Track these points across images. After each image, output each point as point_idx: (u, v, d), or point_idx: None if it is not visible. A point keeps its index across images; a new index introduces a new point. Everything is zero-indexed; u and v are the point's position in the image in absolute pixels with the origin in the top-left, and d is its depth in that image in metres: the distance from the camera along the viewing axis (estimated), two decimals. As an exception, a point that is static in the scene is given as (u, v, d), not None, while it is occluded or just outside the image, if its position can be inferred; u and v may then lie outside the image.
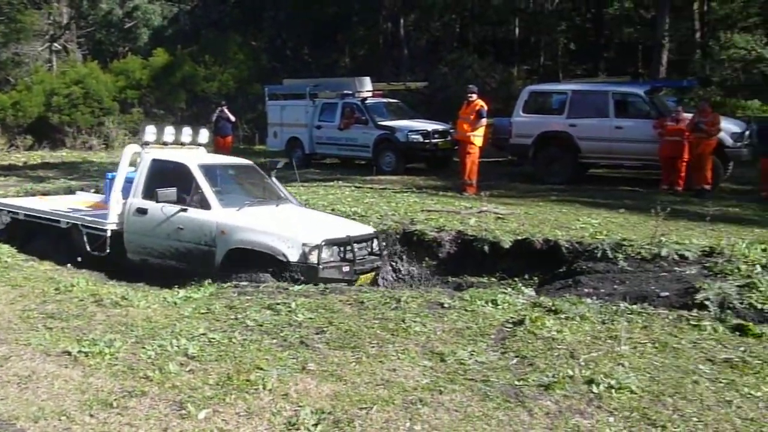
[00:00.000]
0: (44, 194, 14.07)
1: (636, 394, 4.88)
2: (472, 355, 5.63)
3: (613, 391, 4.90)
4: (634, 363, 5.40)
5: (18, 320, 6.67)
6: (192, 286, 8.25)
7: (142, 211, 9.91)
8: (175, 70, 33.78)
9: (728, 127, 15.86)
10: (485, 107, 15.76)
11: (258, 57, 36.69)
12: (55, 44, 43.34)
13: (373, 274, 9.61)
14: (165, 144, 10.64)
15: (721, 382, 5.10)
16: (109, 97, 32.22)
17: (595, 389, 4.92)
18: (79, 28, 46.09)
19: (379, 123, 20.42)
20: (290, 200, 10.67)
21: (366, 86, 22.66)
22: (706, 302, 7.32)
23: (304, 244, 8.77)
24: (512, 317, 6.55)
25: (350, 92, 21.67)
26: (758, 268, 8.24)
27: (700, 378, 5.15)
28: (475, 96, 15.74)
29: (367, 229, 10.05)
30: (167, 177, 9.88)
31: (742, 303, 7.28)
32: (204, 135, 11.33)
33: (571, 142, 16.93)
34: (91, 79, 32.22)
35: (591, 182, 17.31)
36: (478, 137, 15.69)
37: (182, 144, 10.89)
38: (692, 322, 6.37)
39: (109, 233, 9.98)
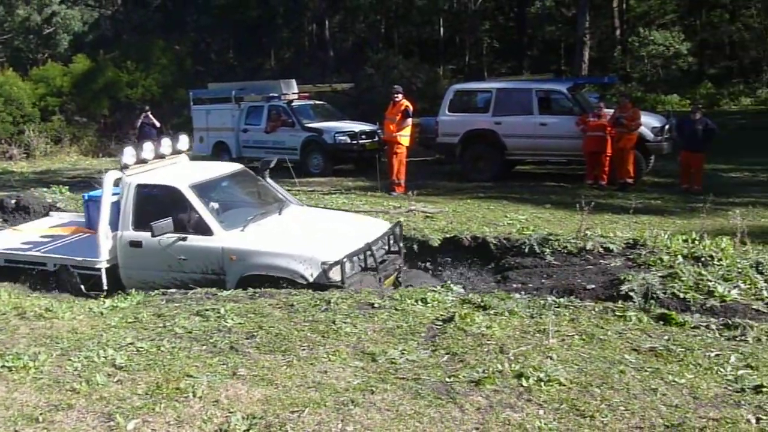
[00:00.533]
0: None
1: (565, 386, 4.95)
2: (402, 353, 5.64)
3: (542, 383, 4.97)
4: (562, 355, 5.47)
5: (-63, 336, 6.48)
6: (118, 295, 8.11)
7: (136, 244, 8.97)
8: (97, 77, 33.18)
9: (648, 121, 16.21)
10: (411, 107, 15.85)
11: (182, 61, 36.27)
12: (-29, 52, 42.24)
13: (395, 274, 9.14)
14: (144, 161, 9.58)
15: (646, 371, 5.20)
16: (29, 104, 31.49)
17: (524, 383, 4.98)
18: (-5, 35, 44.99)
19: (306, 125, 20.37)
20: (291, 202, 10.09)
21: (292, 88, 22.55)
22: (631, 293, 7.50)
23: (323, 263, 8.13)
24: (442, 315, 6.57)
25: (276, 95, 21.55)
26: (680, 259, 8.45)
27: (626, 368, 5.24)
28: (400, 96, 15.82)
29: (382, 226, 9.52)
30: (157, 202, 9.08)
31: (665, 293, 7.47)
32: (184, 141, 10.41)
33: (497, 139, 17.11)
34: (9, 87, 31.45)
35: (517, 179, 17.53)
36: (404, 137, 15.78)
37: (162, 156, 9.94)
38: (617, 313, 6.48)
39: (103, 272, 9.08)
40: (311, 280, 8.09)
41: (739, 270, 8.04)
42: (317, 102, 23.11)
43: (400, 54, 36.13)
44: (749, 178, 16.99)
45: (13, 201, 13.81)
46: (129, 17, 42.91)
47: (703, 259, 8.50)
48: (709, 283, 7.59)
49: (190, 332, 6.33)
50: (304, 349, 5.81)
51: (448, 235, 10.61)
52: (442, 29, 42.25)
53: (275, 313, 6.77)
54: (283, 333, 6.19)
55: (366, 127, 20.42)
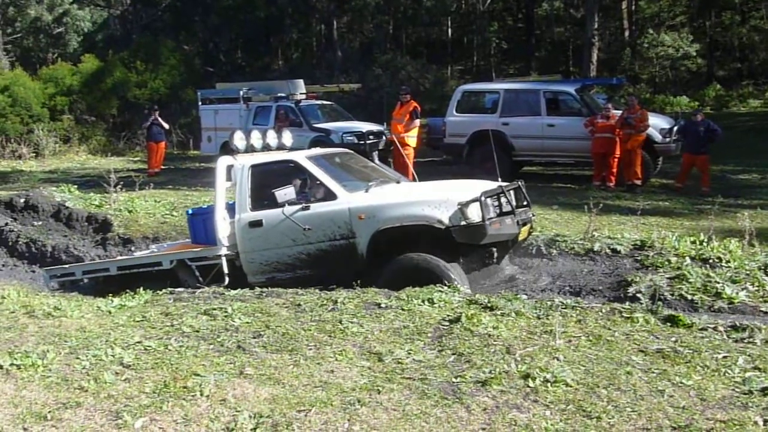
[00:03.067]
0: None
1: (571, 387, 4.95)
2: (409, 353, 5.66)
3: (548, 384, 4.97)
4: (569, 356, 5.48)
5: (-54, 334, 6.51)
6: (126, 294, 8.14)
7: (256, 224, 8.77)
8: (105, 76, 33.22)
9: (657, 123, 16.19)
10: (418, 108, 15.85)
11: (190, 61, 36.30)
12: (-19, 51, 42.40)
13: (530, 225, 8.95)
14: (254, 150, 9.52)
15: (653, 372, 5.20)
16: (38, 104, 31.57)
17: (531, 383, 4.98)
18: (6, 34, 45.17)
19: (314, 125, 20.39)
20: (405, 179, 9.94)
21: (299, 89, 22.59)
22: (638, 295, 7.51)
23: (459, 203, 7.87)
24: (449, 315, 6.58)
25: (284, 95, 21.58)
26: (688, 260, 8.46)
27: (633, 369, 5.24)
28: (408, 97, 15.83)
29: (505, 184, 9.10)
30: (274, 180, 8.80)
31: (672, 294, 7.49)
32: (288, 137, 10.26)
33: (505, 140, 17.09)
34: (19, 86, 31.52)
35: (525, 180, 17.40)
36: (412, 138, 15.76)
37: (269, 147, 9.83)
38: (625, 315, 6.49)
39: (224, 260, 8.85)
40: (449, 223, 7.87)
41: (747, 272, 8.05)
42: (325, 102, 23.12)
43: (408, 55, 36.19)
44: (758, 180, 16.96)
45: (22, 200, 13.87)
46: (138, 17, 42.98)
47: (711, 260, 8.51)
48: (717, 285, 7.60)
49: (197, 331, 6.35)
50: (311, 349, 5.83)
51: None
52: (450, 30, 42.28)
53: (282, 313, 6.79)
54: (290, 332, 6.21)
55: (374, 127, 20.41)
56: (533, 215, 9.14)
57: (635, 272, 8.23)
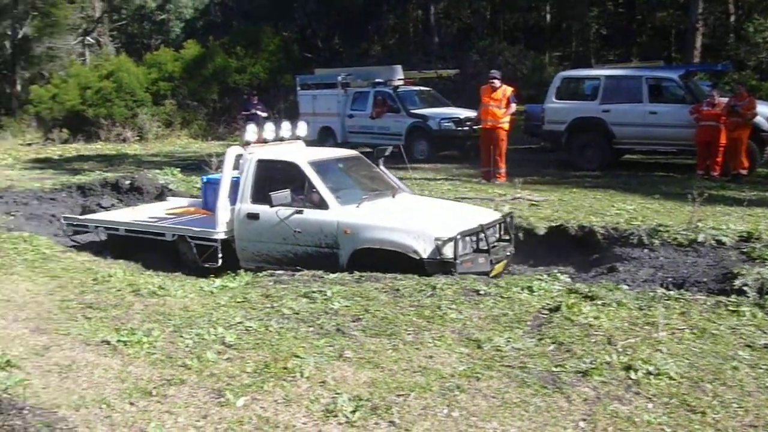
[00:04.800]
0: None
1: (675, 380, 4.85)
2: (508, 341, 5.62)
3: (651, 377, 4.88)
4: (672, 349, 5.36)
5: (57, 310, 6.76)
6: (227, 274, 8.31)
7: (253, 216, 9.29)
8: (206, 62, 33.90)
9: (764, 110, 15.65)
10: (515, 92, 15.57)
11: (289, 47, 36.70)
12: (88, 38, 43.78)
13: (506, 261, 9.05)
14: (265, 141, 10.03)
15: (761, 368, 5.05)
16: (142, 89, 32.43)
17: (633, 375, 4.90)
18: (112, 21, 46.57)
19: (412, 111, 20.39)
20: (404, 189, 10.22)
21: (397, 74, 22.59)
22: (745, 288, 7.25)
23: (436, 239, 8.18)
24: (548, 304, 6.53)
25: (382, 81, 21.64)
26: (797, 253, 8.16)
27: (739, 364, 5.10)
28: (498, 82, 15.44)
29: (494, 214, 9.44)
30: (276, 178, 9.38)
31: (781, 288, 7.21)
32: (303, 127, 10.79)
33: (605, 127, 16.79)
34: (123, 72, 32.45)
35: (625, 168, 17.16)
36: (506, 122, 15.47)
37: (282, 139, 10.36)
38: (730, 308, 6.30)
39: (219, 243, 9.39)
40: (424, 255, 8.16)
41: None
42: (423, 88, 23.08)
43: (505, 40, 35.75)
44: None
45: (128, 182, 14.31)
46: (239, 4, 43.67)
47: (822, 254, 8.20)
48: (829, 279, 7.31)
49: (297, 313, 6.44)
50: (409, 334, 5.85)
51: (554, 224, 10.48)
52: (548, 15, 41.62)
53: (381, 297, 6.83)
54: (389, 317, 6.24)
55: (471, 113, 20.24)
56: (512, 252, 9.22)
57: (741, 264, 7.97)
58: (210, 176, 11.42)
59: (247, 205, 9.37)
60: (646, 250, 9.25)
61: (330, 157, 10.26)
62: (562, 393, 4.71)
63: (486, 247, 8.48)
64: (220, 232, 9.37)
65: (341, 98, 22.17)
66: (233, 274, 8.29)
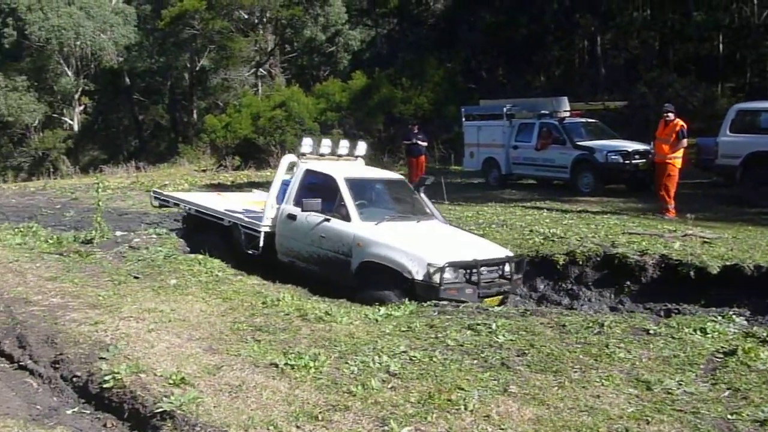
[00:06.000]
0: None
1: None
2: (680, 384, 5.39)
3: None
4: None
5: (229, 332, 6.96)
6: (392, 304, 8.37)
7: (292, 217, 10.60)
8: (372, 93, 34.55)
9: None
10: (685, 127, 15.07)
11: (453, 78, 36.92)
12: (261, 69, 45.52)
13: (501, 297, 9.49)
14: (322, 156, 11.29)
15: None
16: (311, 119, 33.37)
17: (818, 427, 4.58)
18: (283, 53, 48.20)
19: (577, 143, 20.00)
20: (435, 217, 10.97)
21: (563, 106, 22.27)
22: None
23: (429, 264, 8.91)
24: (723, 347, 6.22)
25: (547, 112, 21.39)
26: None
27: None
28: (671, 115, 15.03)
29: (501, 252, 9.92)
30: (317, 187, 10.61)
31: None
32: (362, 148, 11.92)
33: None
34: (294, 101, 33.51)
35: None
36: (678, 159, 15.02)
37: (339, 156, 11.55)
38: None
39: (262, 234, 10.77)
40: (416, 277, 8.92)
41: None
42: (589, 120, 22.61)
43: (675, 71, 34.67)
44: None
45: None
46: (404, 36, 44.33)
47: None
48: None
49: (461, 345, 6.39)
50: (575, 371, 5.70)
51: (728, 263, 9.99)
52: (721, 45, 40.12)
53: (547, 332, 6.70)
54: (555, 353, 6.10)
55: (639, 146, 19.70)
56: (509, 289, 9.64)
57: None
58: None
59: (289, 206, 10.74)
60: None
61: (369, 177, 11.44)
62: (741, 442, 4.45)
63: (476, 281, 9.07)
64: (264, 225, 10.79)
65: (506, 129, 22.06)
66: (398, 303, 8.32)
